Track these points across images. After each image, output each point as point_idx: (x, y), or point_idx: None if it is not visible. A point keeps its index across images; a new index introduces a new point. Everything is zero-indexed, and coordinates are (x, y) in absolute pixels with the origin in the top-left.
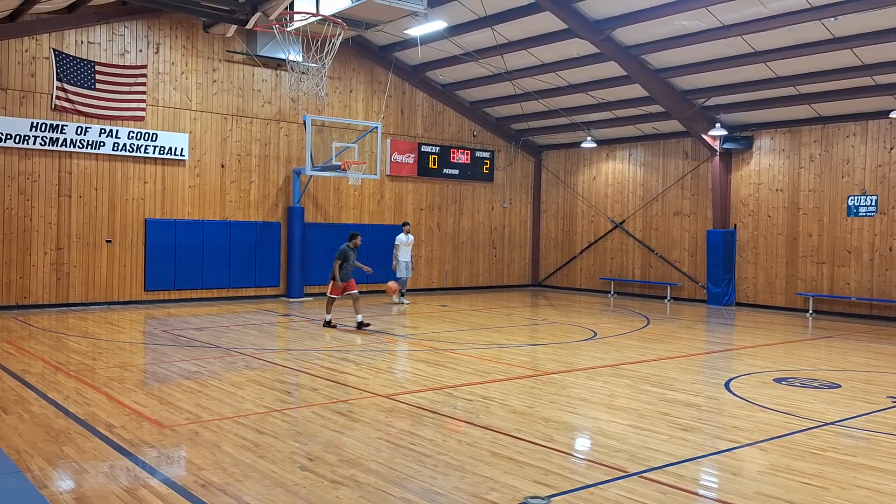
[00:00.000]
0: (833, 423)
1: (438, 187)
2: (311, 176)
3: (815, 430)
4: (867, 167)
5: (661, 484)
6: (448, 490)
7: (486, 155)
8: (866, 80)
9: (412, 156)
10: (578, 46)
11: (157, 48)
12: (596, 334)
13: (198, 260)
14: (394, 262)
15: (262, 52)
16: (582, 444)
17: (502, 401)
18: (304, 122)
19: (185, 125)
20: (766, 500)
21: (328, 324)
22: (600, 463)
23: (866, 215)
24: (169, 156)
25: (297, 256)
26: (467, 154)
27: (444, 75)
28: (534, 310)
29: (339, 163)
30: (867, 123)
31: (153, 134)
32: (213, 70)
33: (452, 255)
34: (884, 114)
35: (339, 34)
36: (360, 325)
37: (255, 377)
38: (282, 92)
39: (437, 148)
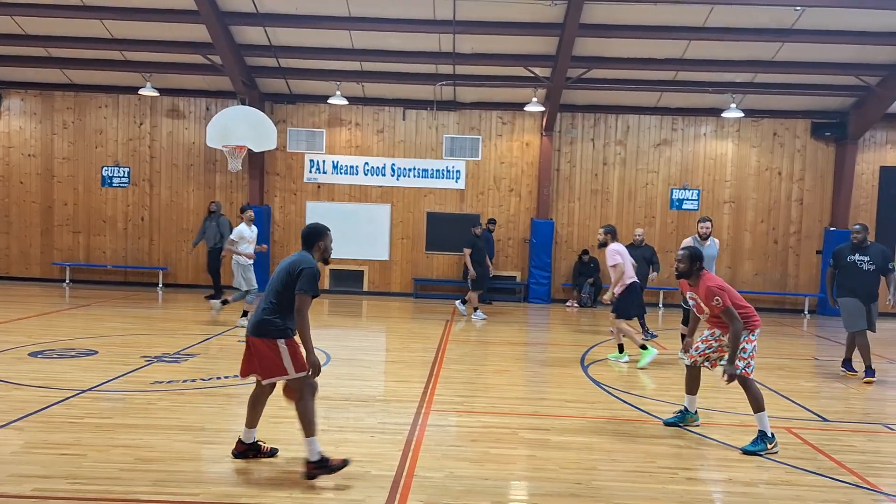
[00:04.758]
0: (90, 389)
1: None
2: None
3: (73, 399)
4: (120, 140)
5: None
6: None
7: None
8: (116, 55)
9: None
10: None
11: None
12: None
13: None
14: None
15: None
16: None
17: None
18: None
19: None
20: (22, 481)
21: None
22: None
23: (120, 186)
24: None
25: None
26: None
27: None
28: None
29: None
30: (119, 97)
31: None
32: None
33: None
34: (134, 89)
35: None
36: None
37: None
38: None
39: None
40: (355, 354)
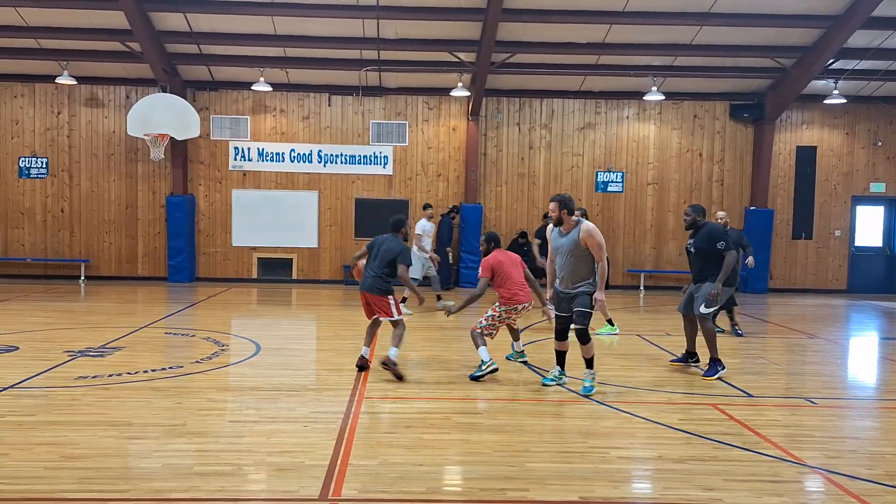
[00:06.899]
0: (11, 386)
1: None
2: None
3: None
4: (37, 129)
5: None
6: None
7: None
8: (32, 42)
9: None
10: None
11: None
12: None
13: None
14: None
15: None
16: None
17: None
18: None
19: None
20: None
21: None
22: None
23: (38, 177)
24: None
25: None
26: None
27: None
28: None
29: None
30: (35, 86)
31: None
32: None
33: None
34: (51, 78)
35: None
36: None
37: None
38: None
39: None
40: (285, 344)
